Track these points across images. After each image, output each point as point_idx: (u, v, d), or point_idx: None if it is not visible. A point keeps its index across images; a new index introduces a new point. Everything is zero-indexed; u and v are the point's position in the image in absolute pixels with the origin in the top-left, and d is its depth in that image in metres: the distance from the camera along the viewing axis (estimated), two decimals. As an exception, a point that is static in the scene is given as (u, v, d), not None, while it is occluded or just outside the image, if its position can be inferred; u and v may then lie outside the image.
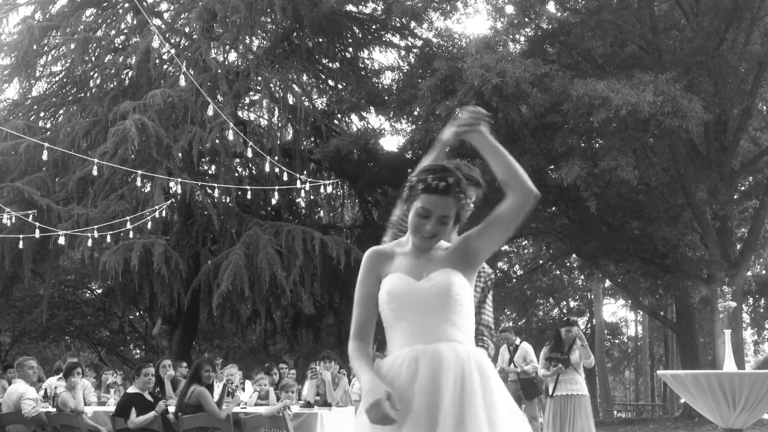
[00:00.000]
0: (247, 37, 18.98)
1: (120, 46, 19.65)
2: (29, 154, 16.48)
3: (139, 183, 14.97)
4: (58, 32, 18.86)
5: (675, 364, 26.72)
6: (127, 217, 13.88)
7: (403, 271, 2.41)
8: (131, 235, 14.22)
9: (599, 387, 27.45)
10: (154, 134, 15.73)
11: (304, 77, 20.33)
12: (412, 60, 20.26)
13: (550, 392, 8.02)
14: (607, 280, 25.82)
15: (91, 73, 19.15)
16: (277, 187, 14.52)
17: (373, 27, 20.84)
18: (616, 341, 38.81)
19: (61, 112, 19.67)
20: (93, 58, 18.77)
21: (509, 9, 18.32)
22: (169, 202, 15.75)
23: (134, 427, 7.22)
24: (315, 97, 21.34)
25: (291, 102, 18.45)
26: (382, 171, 19.16)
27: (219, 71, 17.28)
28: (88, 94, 19.30)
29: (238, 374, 9.97)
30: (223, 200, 17.66)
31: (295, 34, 19.93)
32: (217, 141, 16.59)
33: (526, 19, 18.09)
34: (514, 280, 30.54)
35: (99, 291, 25.01)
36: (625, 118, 13.83)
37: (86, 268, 20.85)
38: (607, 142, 15.70)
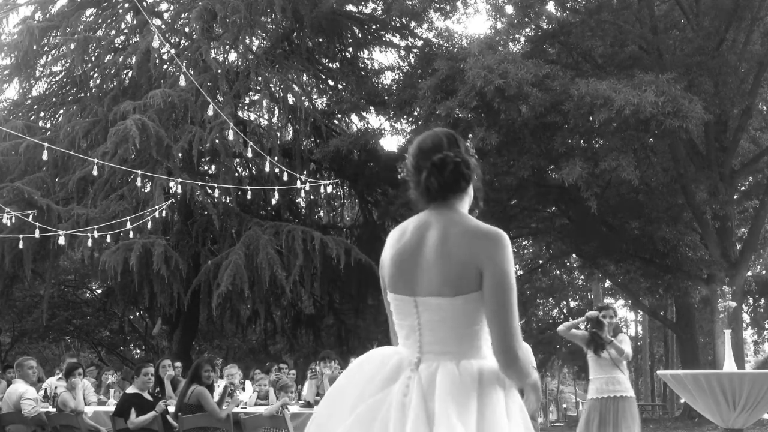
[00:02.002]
0: (247, 37, 18.98)
1: (120, 46, 19.64)
2: (29, 154, 16.47)
3: (139, 183, 14.96)
4: (58, 32, 18.85)
5: (675, 364, 26.69)
6: (127, 217, 13.85)
7: None
8: (131, 235, 14.20)
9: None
10: (154, 134, 15.72)
11: (304, 77, 20.31)
12: (412, 60, 20.25)
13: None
14: (607, 280, 25.80)
15: (91, 73, 19.14)
16: (277, 187, 14.49)
17: (373, 27, 20.83)
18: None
19: (61, 112, 19.67)
20: (93, 58, 18.77)
21: (509, 9, 18.32)
22: (169, 202, 15.74)
23: (134, 428, 7.21)
24: (315, 97, 21.33)
25: (291, 102, 18.44)
26: (382, 171, 19.18)
27: (219, 71, 17.28)
28: (88, 94, 19.29)
29: (238, 374, 9.96)
30: (223, 200, 17.64)
31: (295, 34, 19.92)
32: (217, 141, 16.59)
33: (526, 20, 18.08)
34: (514, 280, 30.46)
35: (99, 291, 25.00)
36: (627, 118, 13.82)
37: (86, 268, 20.86)
38: (607, 142, 15.70)
